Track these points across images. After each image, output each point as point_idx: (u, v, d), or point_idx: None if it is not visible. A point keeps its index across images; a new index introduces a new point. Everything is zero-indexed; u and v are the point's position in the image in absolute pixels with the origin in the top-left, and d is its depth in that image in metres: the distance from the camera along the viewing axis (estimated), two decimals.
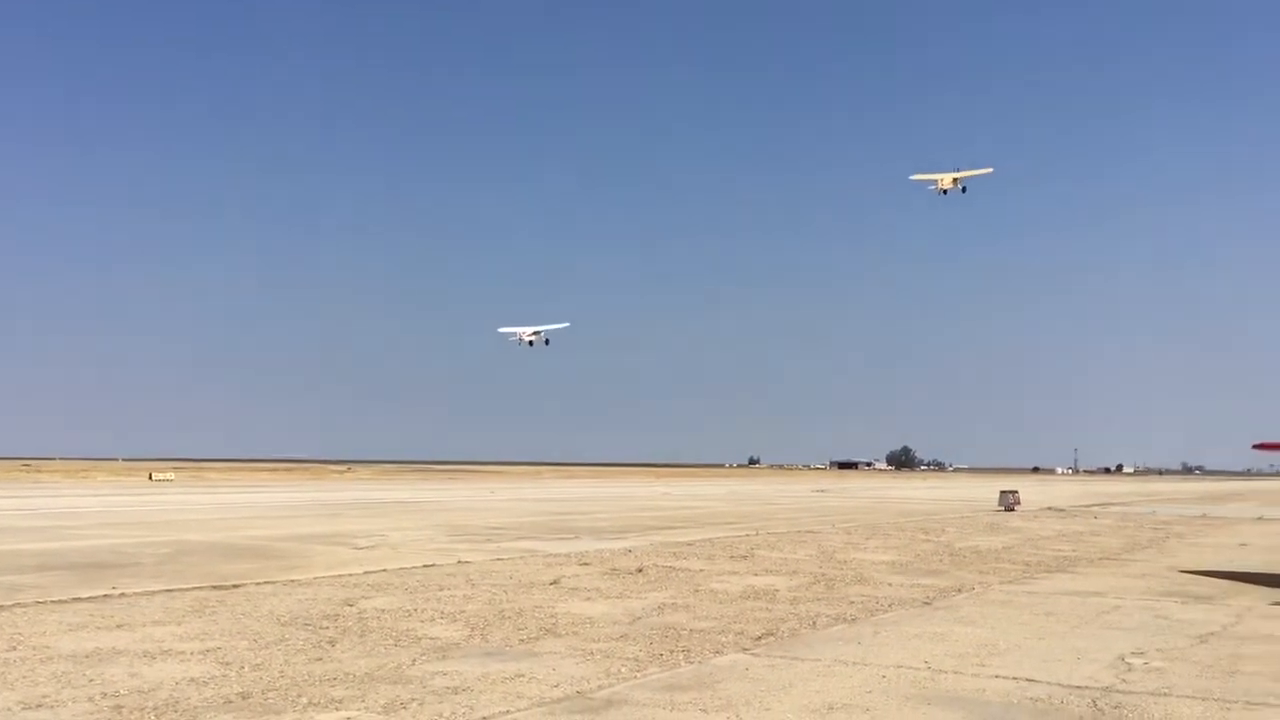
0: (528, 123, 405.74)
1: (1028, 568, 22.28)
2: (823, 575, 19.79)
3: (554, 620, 13.82)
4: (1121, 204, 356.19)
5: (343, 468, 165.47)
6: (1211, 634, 13.79)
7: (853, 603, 16.10)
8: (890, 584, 18.71)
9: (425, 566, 19.92)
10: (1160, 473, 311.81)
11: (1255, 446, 22.19)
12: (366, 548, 24.02)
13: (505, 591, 16.52)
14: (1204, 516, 48.08)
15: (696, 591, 17.02)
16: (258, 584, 16.95)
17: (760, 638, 12.84)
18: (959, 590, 18.05)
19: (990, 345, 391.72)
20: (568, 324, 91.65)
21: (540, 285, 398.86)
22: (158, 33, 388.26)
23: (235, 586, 16.58)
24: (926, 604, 16.22)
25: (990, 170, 77.46)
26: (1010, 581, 19.60)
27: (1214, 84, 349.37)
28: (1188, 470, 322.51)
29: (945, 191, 71.07)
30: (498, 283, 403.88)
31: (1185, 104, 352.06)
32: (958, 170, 72.40)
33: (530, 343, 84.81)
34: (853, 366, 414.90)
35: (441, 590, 16.54)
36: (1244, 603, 17.04)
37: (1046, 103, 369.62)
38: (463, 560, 21.17)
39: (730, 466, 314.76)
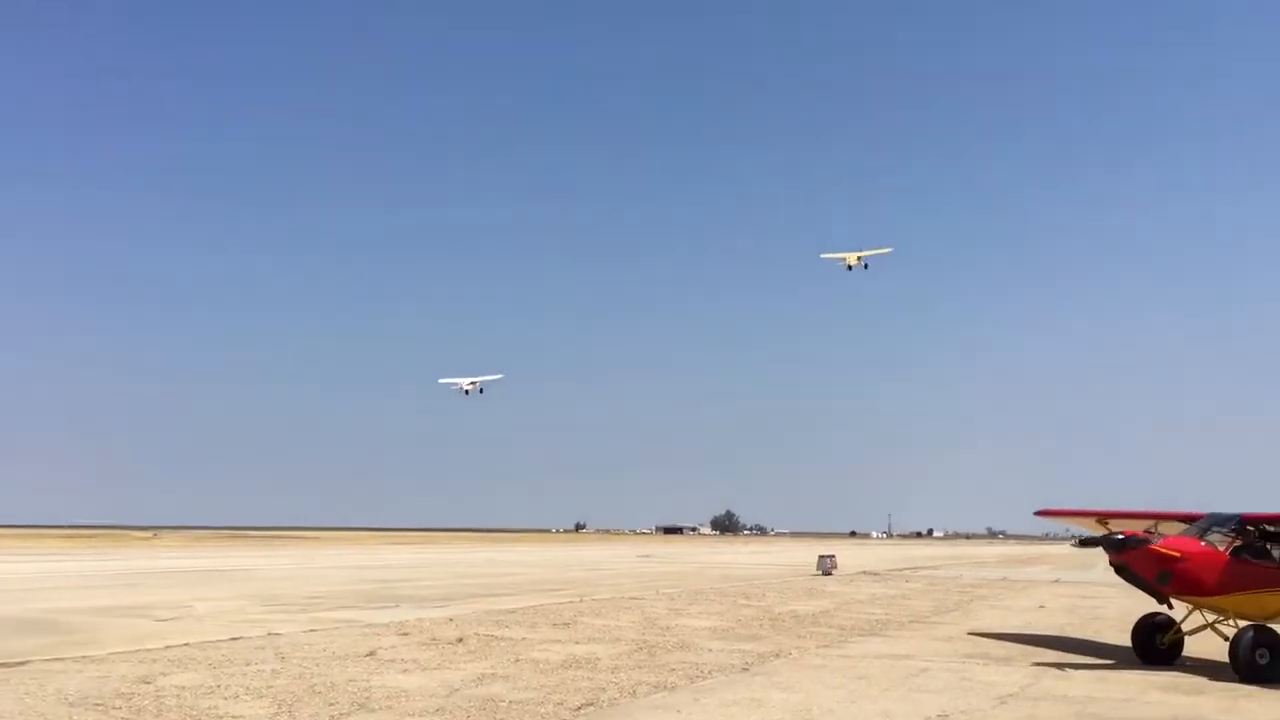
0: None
1: (843, 631, 22.87)
2: (645, 642, 19.82)
3: (368, 694, 13.38)
4: (930, 282, 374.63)
5: (148, 534, 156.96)
6: (1011, 695, 14.45)
7: (673, 670, 16.18)
8: (711, 650, 18.89)
9: (232, 639, 19.02)
10: (967, 537, 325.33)
11: (1037, 513, 23.44)
12: (169, 620, 22.78)
13: (318, 664, 15.91)
14: (1006, 580, 50.43)
15: (517, 661, 16.79)
16: (46, 661, 15.82)
17: (580, 708, 12.74)
18: (777, 655, 18.37)
19: (809, 413, 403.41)
20: (501, 375, 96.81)
21: (343, 342, 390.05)
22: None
23: (21, 664, 15.43)
24: (745, 670, 16.43)
25: (890, 250, 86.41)
26: (826, 645, 20.07)
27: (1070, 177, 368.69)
28: (992, 534, 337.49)
29: (850, 267, 79.89)
30: (312, 337, 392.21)
31: (1025, 198, 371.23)
32: (861, 249, 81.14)
33: (467, 391, 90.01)
34: (678, 432, 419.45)
35: (248, 664, 15.81)
36: (1041, 664, 17.93)
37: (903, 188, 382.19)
38: (273, 632, 20.31)
39: (556, 531, 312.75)
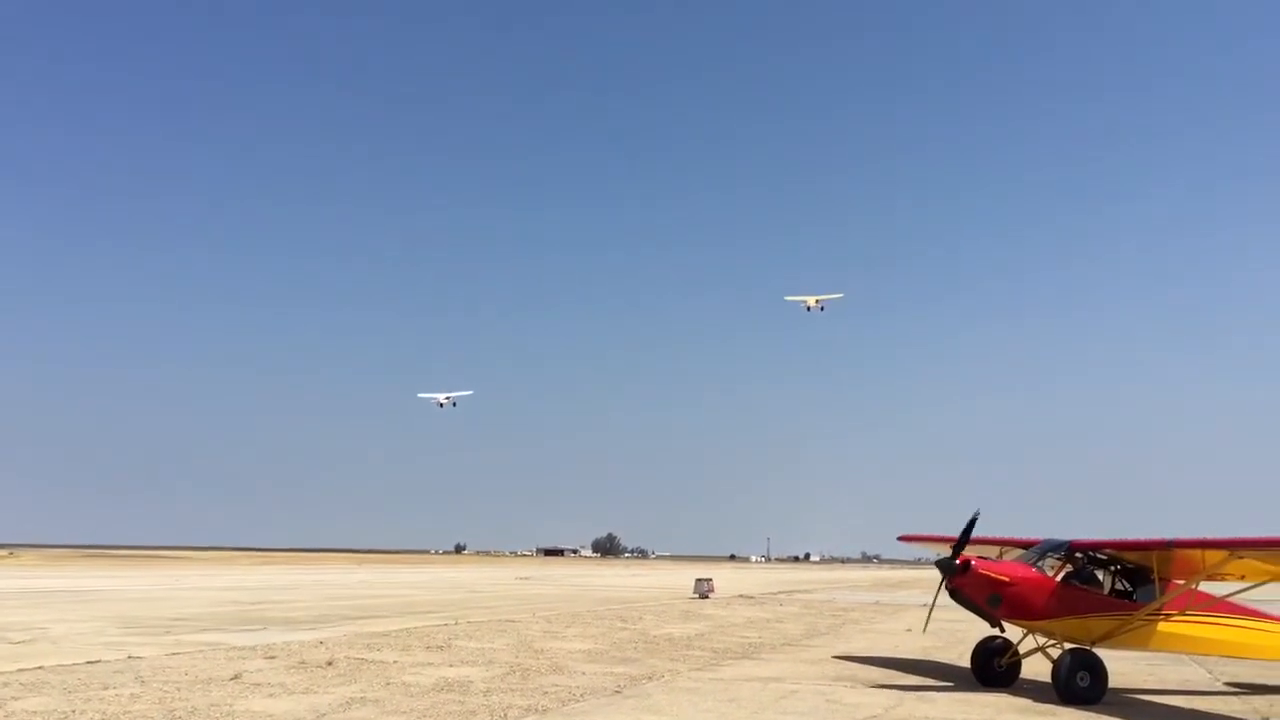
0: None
1: (716, 654, 23.13)
2: (519, 665, 19.75)
3: (231, 719, 13.06)
4: (817, 318, 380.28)
5: (2, 552, 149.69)
6: (874, 717, 14.84)
7: (546, 693, 16.17)
8: (585, 673, 18.92)
9: (90, 663, 18.33)
10: (843, 561, 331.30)
11: (900, 539, 24.13)
12: (22, 642, 21.82)
13: (179, 689, 15.45)
14: (878, 603, 51.58)
15: (388, 685, 16.57)
16: None
17: None
18: (650, 678, 18.49)
19: (691, 437, 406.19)
20: (471, 391, 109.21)
21: (210, 360, 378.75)
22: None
23: None
24: (618, 692, 16.52)
25: (841, 295, 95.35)
26: (699, 668, 20.29)
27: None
28: (867, 559, 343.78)
29: (809, 309, 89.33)
30: (171, 355, 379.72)
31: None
32: (819, 294, 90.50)
33: (442, 405, 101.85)
34: (560, 454, 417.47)
35: (106, 689, 15.27)
36: (905, 686, 18.44)
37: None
38: (133, 655, 19.63)
39: (435, 553, 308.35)
